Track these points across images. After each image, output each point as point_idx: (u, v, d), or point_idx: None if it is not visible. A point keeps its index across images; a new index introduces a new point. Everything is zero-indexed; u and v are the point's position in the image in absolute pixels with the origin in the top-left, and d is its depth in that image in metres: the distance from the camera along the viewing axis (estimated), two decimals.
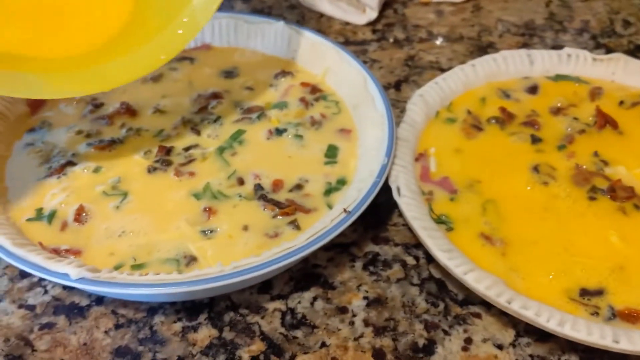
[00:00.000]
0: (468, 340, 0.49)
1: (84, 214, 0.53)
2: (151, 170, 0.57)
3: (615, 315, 0.46)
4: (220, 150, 0.59)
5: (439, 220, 0.53)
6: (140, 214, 0.54)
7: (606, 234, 0.52)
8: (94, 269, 0.47)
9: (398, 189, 0.54)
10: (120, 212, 0.54)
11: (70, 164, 0.58)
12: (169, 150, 0.59)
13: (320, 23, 0.85)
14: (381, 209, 0.59)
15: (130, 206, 0.54)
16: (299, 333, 0.50)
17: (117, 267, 0.49)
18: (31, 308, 0.52)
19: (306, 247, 0.47)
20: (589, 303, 0.47)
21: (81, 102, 0.65)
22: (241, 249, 0.51)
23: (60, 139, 0.61)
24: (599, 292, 0.47)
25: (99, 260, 0.50)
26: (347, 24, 0.85)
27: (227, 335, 0.50)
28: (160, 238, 0.51)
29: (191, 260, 0.50)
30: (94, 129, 0.62)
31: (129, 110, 0.64)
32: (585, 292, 0.47)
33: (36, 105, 0.64)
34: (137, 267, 0.49)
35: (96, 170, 0.58)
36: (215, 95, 0.66)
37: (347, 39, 0.82)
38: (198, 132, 0.62)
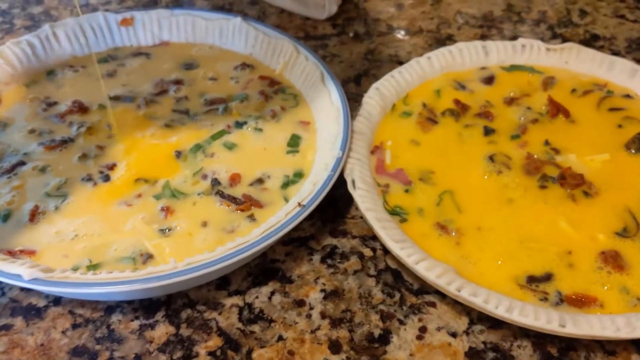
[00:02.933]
0: (423, 329, 0.50)
1: (38, 215, 0.53)
2: (86, 179, 0.57)
3: (562, 300, 0.47)
4: (197, 147, 0.59)
5: (393, 212, 0.53)
6: (89, 215, 0.53)
7: (556, 220, 0.53)
8: (48, 269, 0.47)
9: (353, 182, 0.54)
10: (61, 213, 0.53)
11: (21, 163, 0.58)
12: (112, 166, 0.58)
13: (280, 18, 0.85)
14: (339, 202, 0.59)
15: (70, 207, 0.54)
16: (256, 327, 0.50)
17: (74, 269, 0.48)
18: None
19: (260, 242, 0.48)
20: (537, 289, 0.48)
21: (35, 101, 0.64)
22: (199, 245, 0.51)
23: (14, 138, 0.61)
24: (547, 278, 0.49)
25: (53, 262, 0.50)
26: (308, 18, 0.85)
27: (184, 332, 0.50)
28: (115, 238, 0.51)
29: (148, 258, 0.50)
30: (46, 128, 0.62)
31: (81, 108, 0.64)
32: (533, 279, 0.49)
33: None
34: (92, 267, 0.49)
35: (43, 169, 0.57)
36: (177, 82, 0.67)
37: (308, 33, 0.82)
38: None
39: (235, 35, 0.71)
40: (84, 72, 0.69)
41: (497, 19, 0.85)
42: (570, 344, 0.48)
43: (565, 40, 0.81)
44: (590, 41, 0.81)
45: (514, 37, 0.81)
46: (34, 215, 0.53)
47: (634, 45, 0.80)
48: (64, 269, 0.47)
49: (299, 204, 0.50)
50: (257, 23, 0.71)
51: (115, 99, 0.65)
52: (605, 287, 0.48)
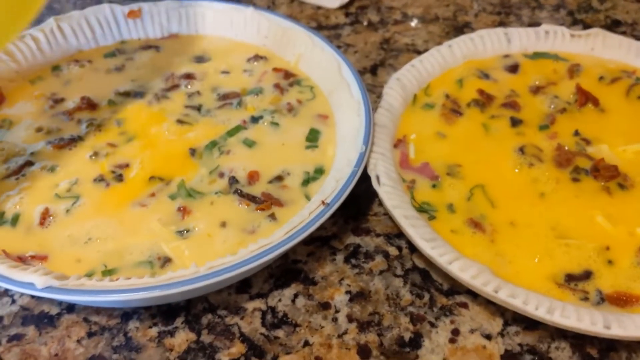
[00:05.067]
0: (455, 332, 0.47)
1: (49, 218, 0.51)
2: (98, 180, 0.54)
3: (604, 299, 0.45)
4: (212, 144, 0.57)
5: (421, 209, 0.51)
6: (102, 218, 0.51)
7: (591, 215, 0.50)
8: (62, 276, 0.44)
9: (377, 178, 0.52)
10: (73, 216, 0.51)
11: (29, 163, 0.55)
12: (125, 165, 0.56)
13: (291, 8, 0.82)
14: (361, 199, 0.57)
15: (83, 210, 0.51)
16: (280, 333, 0.48)
17: (88, 275, 0.46)
18: None
19: (283, 243, 0.45)
20: (577, 288, 0.46)
21: (41, 98, 0.62)
22: (220, 247, 0.48)
23: (20, 138, 0.58)
24: (586, 276, 0.46)
25: (67, 267, 0.47)
26: (319, 7, 0.82)
27: (206, 338, 0.47)
28: (131, 241, 0.49)
29: (166, 261, 0.48)
30: (54, 126, 0.59)
31: (90, 105, 0.61)
32: (571, 277, 0.46)
33: None
34: (108, 272, 0.47)
35: (52, 169, 0.55)
36: (189, 76, 0.64)
37: (320, 23, 0.80)
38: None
39: (247, 26, 0.68)
40: (90, 67, 0.66)
41: (514, 5, 0.82)
42: (610, 344, 0.46)
43: (586, 26, 0.78)
44: (612, 27, 0.79)
45: (533, 24, 0.79)
46: (45, 219, 0.51)
47: None
48: (78, 275, 0.44)
49: (323, 202, 0.48)
50: (270, 13, 0.68)
51: (125, 94, 0.62)
52: None
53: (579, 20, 0.80)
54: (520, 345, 0.47)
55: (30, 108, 0.61)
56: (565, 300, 0.44)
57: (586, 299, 0.45)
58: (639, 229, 0.49)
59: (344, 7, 0.82)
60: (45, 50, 0.66)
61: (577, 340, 0.47)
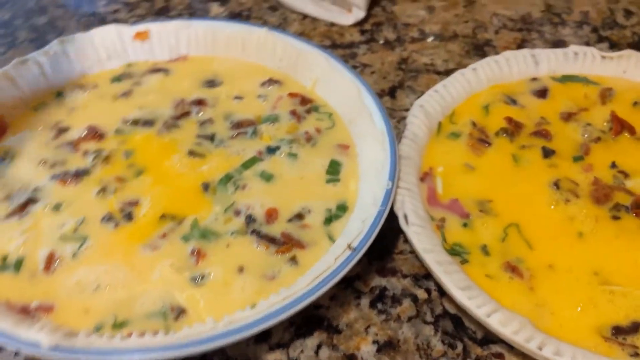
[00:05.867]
0: None
1: (55, 262, 0.47)
2: (107, 219, 0.51)
3: None
4: (227, 178, 0.53)
5: (453, 251, 0.48)
6: (111, 263, 0.47)
7: (635, 257, 0.47)
8: (70, 332, 0.41)
9: (405, 217, 0.49)
10: (80, 260, 0.48)
11: (32, 201, 0.52)
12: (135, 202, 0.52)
13: (303, 25, 0.79)
14: (385, 236, 0.53)
15: (90, 253, 0.48)
16: None
17: (97, 328, 0.43)
18: None
19: (308, 295, 0.42)
20: (625, 342, 0.42)
21: (45, 128, 0.59)
22: (237, 296, 0.45)
23: (23, 171, 0.55)
24: (635, 329, 0.43)
25: (74, 319, 0.44)
26: (333, 25, 0.79)
27: None
28: (142, 289, 0.46)
29: (180, 312, 0.44)
30: (59, 158, 0.56)
31: (96, 134, 0.58)
32: (619, 330, 0.43)
33: None
34: (118, 326, 0.43)
35: (57, 207, 0.51)
36: (200, 102, 0.61)
37: (334, 41, 0.76)
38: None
39: (260, 47, 0.65)
40: (95, 93, 0.63)
41: (536, 22, 0.79)
42: None
43: (612, 43, 0.75)
44: (639, 44, 0.75)
45: (557, 41, 0.75)
46: (50, 263, 0.47)
47: None
48: (87, 331, 0.41)
49: (349, 247, 0.45)
50: (285, 34, 0.65)
51: (134, 123, 0.59)
52: None
53: (604, 37, 0.76)
54: None
55: (33, 138, 0.57)
56: (612, 356, 0.41)
57: (636, 354, 0.42)
58: None
59: (358, 24, 0.79)
60: (48, 75, 0.62)
61: None
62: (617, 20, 0.79)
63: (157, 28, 0.66)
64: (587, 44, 0.75)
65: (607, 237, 0.48)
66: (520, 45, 0.75)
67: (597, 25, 0.78)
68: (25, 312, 0.44)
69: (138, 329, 0.43)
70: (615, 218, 0.50)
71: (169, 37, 0.66)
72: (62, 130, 0.59)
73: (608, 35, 0.77)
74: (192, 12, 0.82)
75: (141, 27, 0.66)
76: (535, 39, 0.76)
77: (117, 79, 0.64)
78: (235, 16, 0.81)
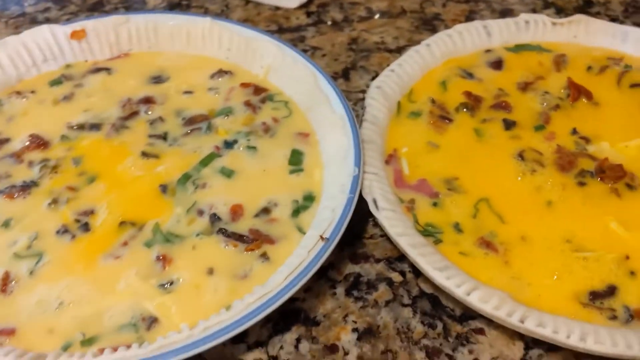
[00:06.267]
0: None
1: (11, 283, 0.44)
2: (62, 232, 0.48)
3: (632, 316, 0.42)
4: (185, 178, 0.51)
5: (426, 232, 0.47)
6: (72, 277, 0.45)
7: (604, 222, 0.48)
8: (38, 356, 0.38)
9: (375, 202, 0.48)
10: (38, 278, 0.45)
11: None
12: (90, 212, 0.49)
13: (247, 11, 0.77)
14: (354, 221, 0.52)
15: (48, 269, 0.45)
16: None
17: (65, 347, 0.40)
18: None
19: (284, 292, 0.41)
20: (603, 306, 0.43)
21: None
22: (210, 299, 0.43)
23: None
24: (610, 292, 0.44)
25: (38, 341, 0.41)
26: (278, 8, 0.77)
27: None
28: (109, 302, 0.43)
29: (152, 322, 0.42)
30: (2, 171, 0.53)
31: (40, 143, 0.54)
32: (596, 295, 0.43)
33: None
34: (87, 342, 0.41)
35: (6, 224, 0.48)
36: (148, 100, 0.58)
37: (280, 25, 0.74)
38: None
39: (206, 38, 0.63)
40: (34, 99, 0.59)
41: None
42: None
43: (558, 9, 0.76)
44: (585, 7, 0.76)
45: (504, 10, 0.76)
46: (6, 285, 0.45)
47: (630, 9, 0.76)
48: (56, 352, 0.39)
49: (322, 238, 0.43)
50: (230, 22, 0.62)
51: (79, 127, 0.56)
52: None
53: (550, 3, 0.77)
54: None
55: None
56: (593, 322, 0.42)
57: (614, 317, 0.42)
58: None
59: (303, 6, 0.77)
60: None
61: (603, 359, 0.44)
62: None
63: (93, 25, 0.62)
64: (534, 10, 0.76)
65: (575, 204, 0.49)
66: (469, 17, 0.74)
67: None
68: None
69: (109, 344, 0.41)
70: (581, 184, 0.50)
71: (108, 34, 0.63)
72: (2, 142, 0.55)
73: (554, 1, 0.77)
74: (129, 6, 0.78)
75: (76, 25, 0.62)
76: (483, 9, 0.76)
77: (57, 82, 0.61)
78: (175, 6, 0.78)
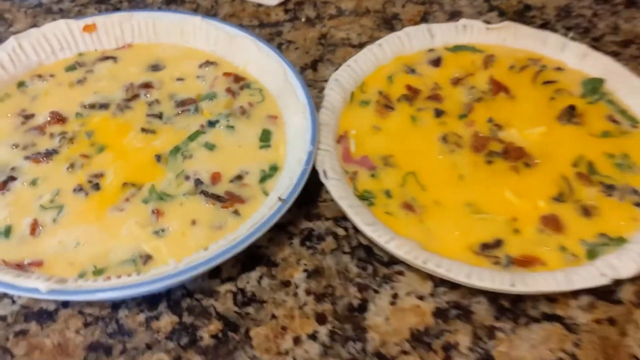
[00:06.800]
0: (395, 296, 0.57)
1: (39, 228, 0.57)
2: (78, 190, 0.60)
3: (512, 262, 0.55)
4: (176, 150, 0.64)
5: (362, 197, 0.60)
6: (86, 225, 0.58)
7: (502, 192, 0.60)
8: (61, 280, 0.51)
9: (324, 172, 0.60)
10: (60, 224, 0.58)
11: (11, 179, 0.61)
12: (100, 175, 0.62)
13: (233, 7, 0.89)
14: (310, 188, 0.65)
15: (67, 218, 0.58)
16: (250, 309, 0.57)
17: (81, 275, 0.54)
18: (3, 318, 0.56)
19: (248, 238, 0.54)
20: (490, 254, 0.56)
21: (13, 116, 0.67)
22: (193, 243, 0.56)
23: (0, 154, 0.64)
24: (497, 244, 0.57)
25: (61, 270, 0.54)
26: (260, 5, 0.89)
27: (187, 319, 0.56)
28: (115, 243, 0.56)
29: (147, 258, 0.55)
30: (28, 141, 0.65)
31: (59, 119, 0.67)
32: (486, 246, 0.56)
33: None
34: (98, 272, 0.54)
35: (34, 183, 0.61)
36: (147, 85, 0.71)
37: (262, 21, 0.86)
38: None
39: (196, 34, 0.75)
40: (53, 81, 0.72)
41: None
42: (519, 295, 0.57)
43: (501, 12, 0.88)
44: (524, 11, 0.88)
45: (454, 12, 0.88)
46: (34, 229, 0.57)
47: (562, 14, 0.88)
48: (75, 277, 0.52)
49: (280, 199, 0.56)
50: (217, 21, 0.75)
51: (91, 107, 0.68)
52: (546, 248, 0.56)
53: (494, 6, 0.89)
54: (447, 302, 0.57)
55: (3, 126, 0.66)
56: (480, 266, 0.55)
57: (497, 263, 0.55)
58: (540, 202, 0.60)
59: (282, 4, 0.89)
60: (8, 68, 0.71)
61: (493, 294, 0.57)
62: None
63: (102, 20, 0.75)
64: (480, 13, 0.88)
65: (482, 178, 0.62)
66: (423, 18, 0.87)
67: None
68: (20, 268, 0.54)
69: (114, 273, 0.54)
70: (489, 162, 0.63)
71: (114, 27, 0.75)
72: (28, 117, 0.68)
73: (497, 5, 0.89)
74: (131, 0, 0.90)
75: (88, 20, 0.74)
76: (436, 10, 0.88)
77: (71, 67, 0.73)
78: (171, 2, 0.90)
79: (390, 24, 0.86)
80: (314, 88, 0.75)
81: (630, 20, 0.87)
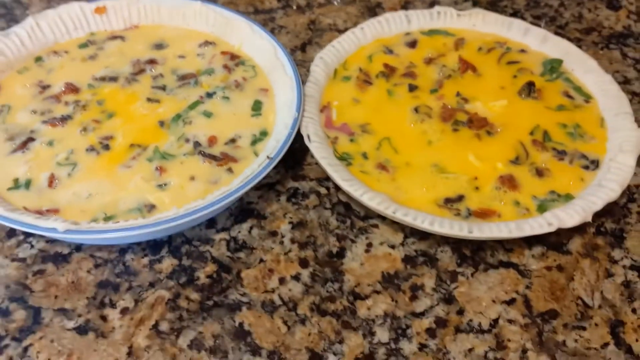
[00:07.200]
0: (369, 245, 0.65)
1: (55, 181, 0.65)
2: (90, 150, 0.68)
3: (471, 214, 0.63)
4: (177, 117, 0.72)
5: (341, 158, 0.68)
6: (98, 179, 0.65)
7: (465, 155, 0.68)
8: (75, 222, 0.59)
9: (308, 136, 0.68)
10: (74, 179, 0.65)
11: (31, 140, 0.69)
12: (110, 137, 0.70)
13: None
14: (297, 153, 0.73)
15: (81, 174, 0.66)
16: (241, 254, 0.64)
17: (93, 220, 0.61)
18: (22, 260, 0.64)
19: (239, 189, 0.61)
20: (452, 207, 0.64)
21: (31, 86, 0.75)
22: (191, 195, 0.64)
23: (20, 119, 0.71)
24: (459, 199, 0.64)
25: (75, 217, 0.62)
26: None
27: (186, 262, 0.64)
28: (122, 195, 0.64)
29: (151, 208, 0.63)
30: (46, 108, 0.73)
31: (73, 89, 0.75)
32: (449, 200, 0.64)
33: None
34: (108, 218, 0.62)
35: (50, 143, 0.69)
36: (152, 61, 0.78)
37: (256, 8, 0.94)
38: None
39: (197, 17, 0.83)
40: (67, 57, 0.79)
41: None
42: (480, 245, 0.65)
43: (475, 2, 0.96)
44: (496, 1, 0.97)
45: (432, 2, 0.96)
46: (52, 182, 0.65)
47: (531, 4, 0.96)
48: (87, 221, 0.60)
49: (268, 157, 0.64)
50: (215, 5, 0.82)
51: (101, 79, 0.76)
52: (502, 202, 0.64)
53: None
54: (415, 251, 0.65)
55: (23, 94, 0.74)
56: (443, 216, 0.62)
57: (458, 214, 0.63)
58: (498, 164, 0.67)
59: None
60: (27, 44, 0.78)
61: (456, 244, 0.65)
62: None
63: (112, 3, 0.82)
64: (456, 2, 0.96)
65: (448, 143, 0.69)
66: (403, 6, 0.95)
67: None
68: (39, 214, 0.62)
69: (122, 219, 0.61)
70: (455, 130, 0.71)
71: (123, 10, 0.83)
72: (45, 87, 0.75)
73: None
74: None
75: (99, 3, 0.82)
76: (416, 0, 0.96)
77: (84, 45, 0.81)
78: None
79: (373, 11, 0.94)
80: (302, 67, 0.83)
81: (594, 10, 0.95)
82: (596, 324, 0.59)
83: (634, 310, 0.60)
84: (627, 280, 0.62)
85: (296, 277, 0.62)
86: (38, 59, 0.79)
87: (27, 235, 0.65)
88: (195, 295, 0.61)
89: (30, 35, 0.79)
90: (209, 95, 0.75)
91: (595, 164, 0.68)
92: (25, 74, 0.77)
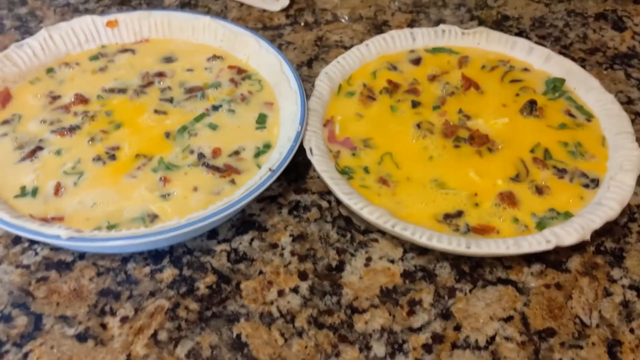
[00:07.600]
0: (368, 259, 0.66)
1: (61, 189, 0.66)
2: (96, 159, 0.69)
3: (470, 230, 0.64)
4: (183, 129, 0.73)
5: (343, 172, 0.69)
6: (103, 188, 0.67)
7: (466, 171, 0.69)
8: (78, 230, 0.60)
9: (311, 150, 0.69)
10: (80, 187, 0.66)
11: (39, 148, 0.71)
12: (117, 147, 0.71)
13: (241, 11, 0.98)
14: (300, 167, 0.74)
15: (87, 183, 0.67)
16: (241, 266, 0.65)
17: (96, 229, 0.62)
18: (26, 267, 0.65)
19: (241, 200, 0.62)
20: (451, 223, 0.64)
21: (42, 97, 0.77)
22: (194, 206, 0.65)
23: (30, 128, 0.73)
24: (458, 214, 0.65)
25: (79, 225, 0.63)
26: (264, 11, 0.98)
27: (186, 272, 0.65)
28: (126, 204, 0.65)
29: (154, 217, 0.64)
30: (55, 118, 0.74)
31: (82, 100, 0.76)
32: (448, 216, 0.65)
33: (5, 100, 0.75)
34: (111, 227, 0.63)
35: (58, 152, 0.70)
36: (160, 74, 0.80)
37: (265, 24, 0.96)
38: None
39: (205, 31, 0.85)
40: (78, 69, 0.81)
41: (424, 5, 1.00)
42: (478, 262, 0.65)
43: (481, 21, 0.97)
44: (502, 21, 0.97)
45: (438, 20, 0.97)
46: (58, 190, 0.66)
47: (537, 24, 0.97)
48: (90, 229, 0.61)
49: (270, 169, 0.65)
50: (224, 21, 0.84)
51: (110, 91, 0.78)
52: (501, 219, 0.65)
53: (475, 16, 0.98)
54: (415, 266, 0.65)
55: (34, 104, 0.76)
56: (442, 232, 0.63)
57: (457, 230, 0.64)
58: (498, 180, 0.68)
59: (284, 10, 0.98)
60: (39, 55, 0.80)
61: (455, 260, 0.65)
62: (487, 2, 1.01)
63: (123, 17, 0.84)
64: (462, 21, 0.97)
65: (449, 159, 0.70)
66: (410, 25, 0.96)
67: (471, 7, 1.00)
68: (45, 221, 0.63)
69: (125, 229, 0.62)
70: (457, 146, 0.72)
71: (134, 24, 0.85)
72: (55, 98, 0.77)
73: (478, 15, 0.99)
74: (150, 2, 1.00)
75: (111, 17, 0.84)
76: (422, 19, 0.98)
77: (95, 57, 0.83)
78: (185, 5, 1.00)
79: (380, 29, 0.95)
80: (308, 82, 0.84)
81: (599, 31, 0.96)
82: (593, 343, 0.59)
83: (631, 330, 0.60)
84: (625, 300, 0.62)
85: (295, 290, 0.63)
86: (50, 70, 0.81)
87: (32, 242, 0.66)
88: (194, 306, 0.62)
89: (42, 47, 0.81)
90: (215, 108, 0.76)
91: (595, 183, 0.68)
92: (36, 85, 0.79)
